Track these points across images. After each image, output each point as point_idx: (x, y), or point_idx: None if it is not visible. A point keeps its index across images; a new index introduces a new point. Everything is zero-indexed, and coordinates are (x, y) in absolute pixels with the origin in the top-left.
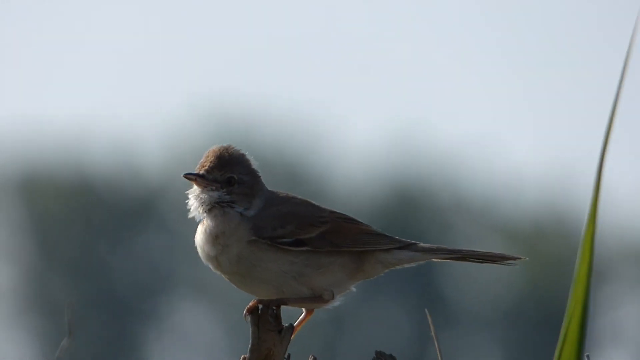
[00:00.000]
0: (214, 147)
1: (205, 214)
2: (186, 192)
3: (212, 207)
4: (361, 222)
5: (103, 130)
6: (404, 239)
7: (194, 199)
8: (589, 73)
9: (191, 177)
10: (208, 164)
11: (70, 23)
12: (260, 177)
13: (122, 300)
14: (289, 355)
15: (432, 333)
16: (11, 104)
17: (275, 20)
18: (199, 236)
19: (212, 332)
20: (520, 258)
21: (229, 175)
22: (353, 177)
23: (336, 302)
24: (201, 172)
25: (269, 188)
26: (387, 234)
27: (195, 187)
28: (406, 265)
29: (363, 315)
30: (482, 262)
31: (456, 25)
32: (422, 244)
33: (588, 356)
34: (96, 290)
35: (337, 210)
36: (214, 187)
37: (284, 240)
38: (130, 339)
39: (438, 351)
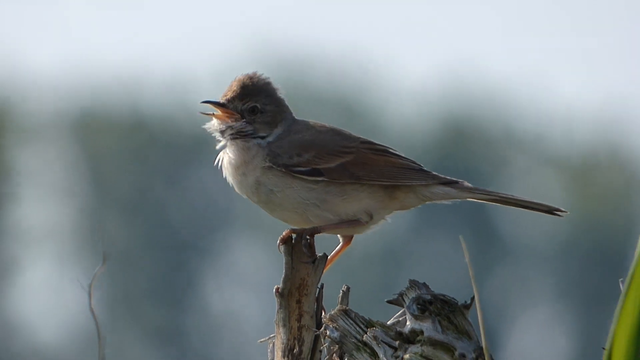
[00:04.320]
0: (239, 76)
1: (226, 146)
2: (204, 125)
3: (234, 139)
4: (394, 154)
5: (158, 69)
6: (442, 176)
7: (215, 131)
8: None
9: (210, 104)
10: (230, 93)
11: None
12: (285, 105)
13: (178, 237)
14: (322, 285)
15: (467, 259)
16: (67, 43)
17: None
18: (225, 169)
19: (268, 268)
20: (562, 211)
21: (252, 104)
22: (406, 113)
23: (375, 226)
24: (222, 100)
25: (325, 123)
26: (425, 169)
27: (214, 119)
28: (443, 202)
29: (416, 253)
30: (522, 208)
31: None
32: (464, 183)
33: None
34: (152, 228)
35: (373, 141)
36: (234, 118)
37: (300, 169)
38: (186, 276)
39: (472, 278)
